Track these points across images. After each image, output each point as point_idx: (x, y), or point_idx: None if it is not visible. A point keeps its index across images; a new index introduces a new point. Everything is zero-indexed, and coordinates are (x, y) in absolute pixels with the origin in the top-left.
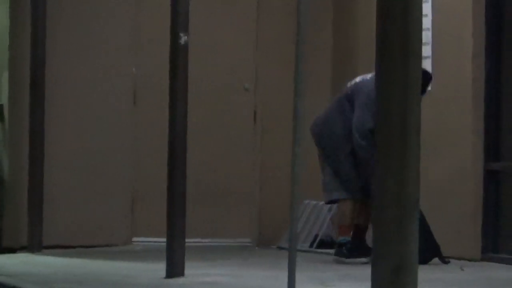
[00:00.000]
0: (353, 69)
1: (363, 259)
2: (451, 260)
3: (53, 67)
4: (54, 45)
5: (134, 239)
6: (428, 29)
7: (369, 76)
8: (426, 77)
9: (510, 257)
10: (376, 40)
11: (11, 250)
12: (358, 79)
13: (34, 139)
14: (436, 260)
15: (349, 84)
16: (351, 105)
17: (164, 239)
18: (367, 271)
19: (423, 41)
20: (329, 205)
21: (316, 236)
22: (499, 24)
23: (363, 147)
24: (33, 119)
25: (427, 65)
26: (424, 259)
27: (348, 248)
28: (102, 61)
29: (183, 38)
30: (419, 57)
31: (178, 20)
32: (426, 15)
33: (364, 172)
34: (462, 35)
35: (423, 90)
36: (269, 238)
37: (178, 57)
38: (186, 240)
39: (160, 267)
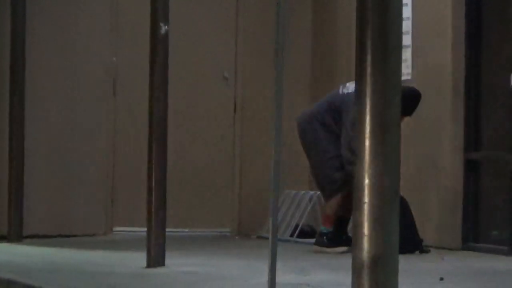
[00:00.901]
0: (333, 59)
1: (343, 249)
2: (431, 249)
3: (33, 57)
4: (34, 35)
5: (114, 228)
6: (408, 18)
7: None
8: (417, 99)
9: (491, 247)
10: (355, 31)
11: None
12: (350, 88)
13: (14, 129)
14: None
15: (340, 90)
16: (340, 116)
17: (144, 229)
18: (347, 261)
19: (403, 30)
20: (309, 195)
21: (297, 225)
22: (479, 13)
23: (353, 162)
24: (13, 109)
25: (407, 54)
26: (405, 251)
27: (328, 238)
28: (82, 51)
29: (163, 28)
30: (399, 49)
31: (158, 10)
32: (406, 4)
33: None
34: (442, 23)
35: (412, 111)
36: (249, 227)
37: (158, 47)
38: (166, 229)
39: (140, 257)
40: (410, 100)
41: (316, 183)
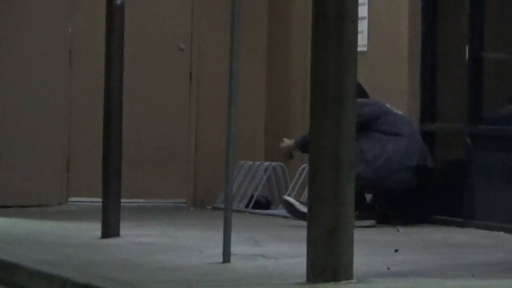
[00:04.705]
0: (288, 32)
1: (372, 222)
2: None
3: None
4: None
5: (70, 199)
6: None
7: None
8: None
9: (446, 218)
10: (311, 3)
11: None
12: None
13: None
14: (372, 221)
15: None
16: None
17: (100, 199)
18: (302, 232)
19: (359, 1)
20: (264, 166)
21: (252, 196)
22: None
23: None
24: None
25: (363, 25)
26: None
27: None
28: (38, 21)
29: None
30: (355, 21)
31: None
32: None
33: None
34: None
35: None
36: (204, 198)
37: (114, 18)
38: (122, 200)
39: (95, 227)
40: None
41: None
